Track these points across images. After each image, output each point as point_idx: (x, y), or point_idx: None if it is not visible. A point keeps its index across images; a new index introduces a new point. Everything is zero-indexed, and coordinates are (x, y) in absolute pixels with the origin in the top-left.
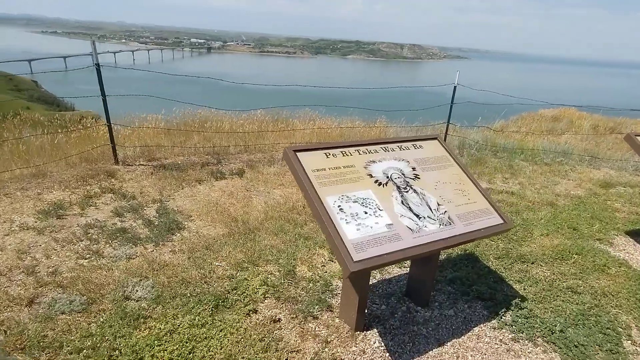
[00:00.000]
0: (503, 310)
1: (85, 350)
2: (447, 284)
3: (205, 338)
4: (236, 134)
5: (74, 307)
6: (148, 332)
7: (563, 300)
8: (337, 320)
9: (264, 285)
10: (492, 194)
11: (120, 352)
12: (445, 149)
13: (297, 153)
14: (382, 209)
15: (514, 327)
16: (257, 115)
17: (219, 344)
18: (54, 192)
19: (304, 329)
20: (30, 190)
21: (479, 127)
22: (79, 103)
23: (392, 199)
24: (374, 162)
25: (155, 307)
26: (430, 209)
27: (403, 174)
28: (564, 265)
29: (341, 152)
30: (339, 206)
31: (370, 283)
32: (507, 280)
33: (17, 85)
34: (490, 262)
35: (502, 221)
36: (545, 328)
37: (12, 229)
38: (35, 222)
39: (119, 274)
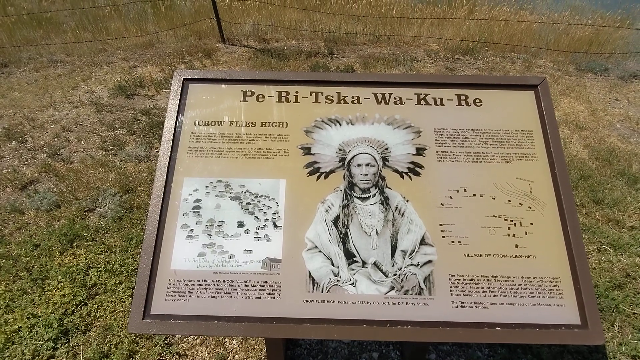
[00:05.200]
0: None
1: None
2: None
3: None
4: (371, 18)
5: (40, 205)
6: (69, 260)
7: None
8: None
9: None
10: None
11: None
12: (544, 115)
13: (190, 84)
14: (281, 224)
15: None
16: None
17: None
18: (147, 67)
19: None
20: (130, 61)
21: None
22: None
23: (317, 209)
24: (335, 123)
25: (107, 230)
26: (394, 250)
27: (384, 160)
28: None
29: (278, 92)
30: (196, 200)
31: None
32: None
33: None
34: None
35: (577, 320)
36: None
37: (83, 101)
38: (106, 98)
39: (113, 178)
